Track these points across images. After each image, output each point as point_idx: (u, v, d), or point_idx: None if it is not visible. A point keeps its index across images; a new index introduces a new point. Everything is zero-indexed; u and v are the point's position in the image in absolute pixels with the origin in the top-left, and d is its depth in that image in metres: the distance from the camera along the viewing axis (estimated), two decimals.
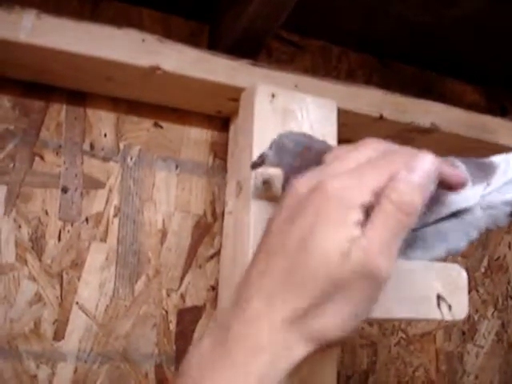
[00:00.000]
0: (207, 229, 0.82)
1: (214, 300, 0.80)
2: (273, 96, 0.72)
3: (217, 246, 0.82)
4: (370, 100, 0.83)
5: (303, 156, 0.59)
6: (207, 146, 0.85)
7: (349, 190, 0.37)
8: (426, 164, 0.39)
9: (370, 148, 0.41)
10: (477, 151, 0.96)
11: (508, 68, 1.04)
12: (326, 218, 0.36)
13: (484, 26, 0.92)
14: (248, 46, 0.79)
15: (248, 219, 0.69)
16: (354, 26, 0.93)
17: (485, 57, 1.03)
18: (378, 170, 0.38)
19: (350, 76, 0.97)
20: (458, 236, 0.54)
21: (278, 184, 0.67)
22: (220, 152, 0.85)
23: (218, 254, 0.82)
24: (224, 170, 0.84)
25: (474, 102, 1.08)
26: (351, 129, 0.83)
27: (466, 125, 0.91)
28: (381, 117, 0.84)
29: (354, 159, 0.40)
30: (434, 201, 0.45)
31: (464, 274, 0.60)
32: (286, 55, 0.93)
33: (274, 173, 0.65)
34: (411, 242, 0.54)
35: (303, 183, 0.40)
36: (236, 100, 0.78)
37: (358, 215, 0.37)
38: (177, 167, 0.82)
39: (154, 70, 0.70)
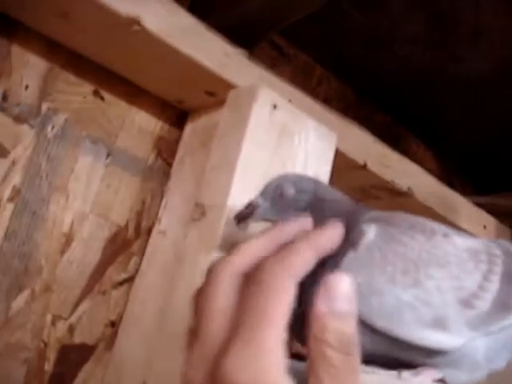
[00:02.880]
0: (125, 246, 0.62)
1: (111, 340, 0.60)
2: (274, 107, 0.54)
3: (131, 270, 0.62)
4: (358, 143, 0.69)
5: (313, 210, 0.44)
6: (152, 138, 0.65)
7: None
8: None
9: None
10: None
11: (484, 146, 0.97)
12: None
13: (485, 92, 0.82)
14: (243, 36, 0.61)
15: (202, 257, 0.51)
16: (350, 52, 0.79)
17: (460, 127, 0.94)
18: None
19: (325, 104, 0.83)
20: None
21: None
22: (166, 151, 0.65)
23: (130, 280, 0.62)
24: (165, 175, 0.65)
25: (431, 170, 0.99)
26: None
27: (439, 199, 0.80)
28: (364, 166, 0.70)
29: None
30: None
31: None
32: (267, 59, 0.76)
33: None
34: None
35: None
36: (212, 94, 0.60)
37: None
38: (108, 156, 0.61)
39: (132, 23, 0.50)
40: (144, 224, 0.63)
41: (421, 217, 0.46)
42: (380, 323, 0.38)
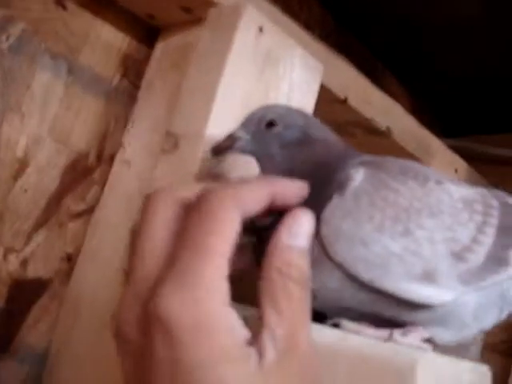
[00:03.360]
0: (85, 174, 0.57)
1: (67, 275, 0.56)
2: (260, 30, 0.49)
3: (91, 200, 0.57)
4: (340, 75, 0.64)
5: (301, 149, 0.40)
6: (118, 56, 0.58)
7: None
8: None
9: None
10: None
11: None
12: None
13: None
14: None
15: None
16: None
17: (436, 66, 0.90)
18: None
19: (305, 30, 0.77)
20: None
21: (233, 168, 0.46)
22: (133, 71, 0.59)
23: (89, 212, 0.57)
24: (131, 97, 0.59)
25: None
26: None
27: (415, 140, 0.77)
28: (345, 100, 0.65)
29: None
30: None
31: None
32: None
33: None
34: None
35: None
36: (188, 10, 0.54)
37: None
38: (69, 73, 0.54)
39: None
40: (106, 151, 0.58)
41: (412, 161, 0.43)
42: (365, 274, 0.35)
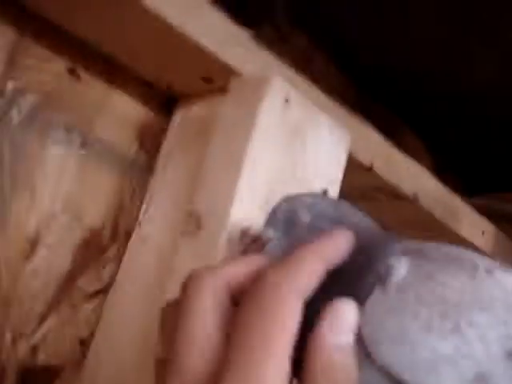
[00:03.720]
0: (99, 252, 0.53)
1: (80, 361, 0.52)
2: (286, 101, 0.46)
3: (105, 280, 0.54)
4: (365, 142, 0.62)
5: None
6: (134, 127, 0.56)
7: None
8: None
9: None
10: (438, 239, 0.80)
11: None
12: None
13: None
14: (250, 11, 0.53)
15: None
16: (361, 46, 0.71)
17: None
18: None
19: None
20: None
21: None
22: (149, 141, 0.57)
23: (103, 292, 0.54)
24: (147, 168, 0.56)
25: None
26: None
27: (442, 204, 0.74)
28: (371, 167, 0.63)
29: None
30: None
31: None
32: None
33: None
34: None
35: None
36: (209, 81, 0.51)
37: None
38: (82, 146, 0.52)
39: None
40: (122, 227, 0.55)
41: (454, 245, 0.39)
42: (411, 379, 0.31)
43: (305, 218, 0.36)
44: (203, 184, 0.46)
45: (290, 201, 0.37)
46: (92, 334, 0.52)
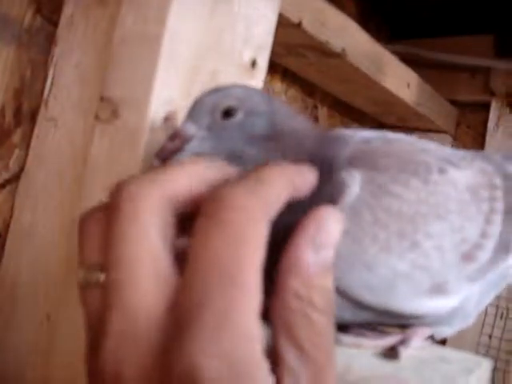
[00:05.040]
0: (3, 137, 0.47)
1: None
2: None
3: (14, 167, 0.48)
4: None
5: (271, 145, 0.33)
6: None
7: None
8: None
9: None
10: (364, 92, 0.78)
11: None
12: None
13: None
14: None
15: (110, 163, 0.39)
16: None
17: None
18: None
19: None
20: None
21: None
22: (47, 6, 0.48)
23: (14, 181, 0.48)
24: (47, 38, 0.48)
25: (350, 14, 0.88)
26: None
27: (369, 59, 0.71)
28: (299, 24, 0.57)
29: None
30: None
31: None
32: None
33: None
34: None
35: None
36: None
37: None
38: None
39: None
40: (25, 107, 0.48)
41: (401, 141, 0.36)
42: (369, 298, 0.30)
43: (236, 112, 0.31)
44: (115, 65, 0.40)
45: (218, 92, 0.32)
46: (7, 226, 0.48)
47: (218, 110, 0.32)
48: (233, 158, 0.31)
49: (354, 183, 0.30)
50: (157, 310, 0.22)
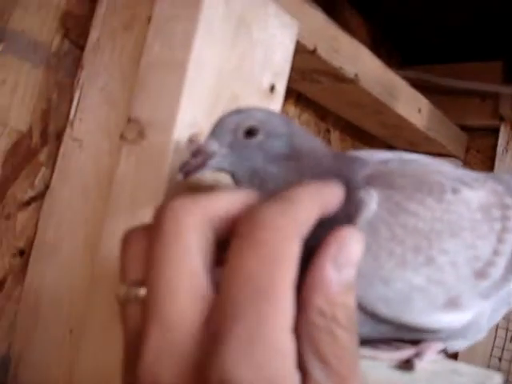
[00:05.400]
0: (29, 156, 0.49)
1: (21, 272, 0.50)
2: None
3: (40, 186, 0.50)
4: (309, 26, 0.58)
5: (289, 165, 0.34)
6: (56, 16, 0.49)
7: None
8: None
9: None
10: (376, 117, 0.80)
11: None
12: None
13: None
14: None
15: (144, 195, 0.40)
16: None
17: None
18: None
19: None
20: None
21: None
22: (75, 31, 0.51)
23: (39, 198, 0.50)
24: (74, 61, 0.51)
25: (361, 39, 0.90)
26: None
27: (381, 85, 0.72)
28: (314, 50, 0.59)
29: None
30: None
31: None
32: None
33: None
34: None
35: None
36: None
37: None
38: None
39: None
40: (52, 128, 0.50)
41: (416, 162, 0.37)
42: (385, 311, 0.31)
43: (256, 133, 0.33)
44: (142, 88, 0.41)
45: (240, 113, 0.34)
46: (31, 243, 0.50)
47: (241, 130, 0.33)
48: (254, 176, 0.33)
49: (372, 201, 0.32)
50: (193, 326, 0.23)
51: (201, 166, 0.33)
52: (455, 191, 0.33)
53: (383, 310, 0.31)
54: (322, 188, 0.27)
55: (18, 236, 0.49)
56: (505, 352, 0.93)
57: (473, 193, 0.34)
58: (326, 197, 0.27)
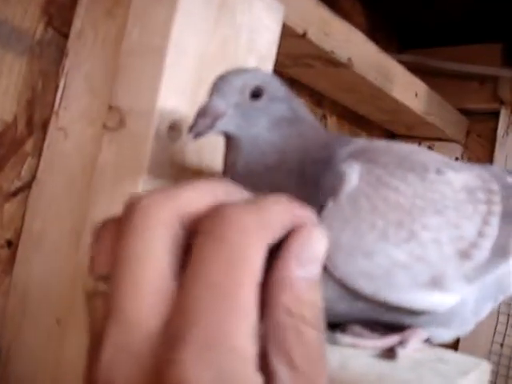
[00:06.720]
0: (16, 146, 0.49)
1: (9, 263, 0.49)
2: None
3: (26, 176, 0.50)
4: (298, 9, 0.57)
5: (292, 131, 0.34)
6: (39, 3, 0.49)
7: None
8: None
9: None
10: (372, 102, 0.79)
11: None
12: None
13: None
14: None
15: (126, 184, 0.40)
16: None
17: None
18: None
19: None
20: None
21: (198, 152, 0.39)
22: (58, 19, 0.50)
23: (26, 189, 0.50)
24: (59, 49, 0.50)
25: (358, 24, 0.88)
26: None
27: (376, 69, 0.71)
28: (304, 34, 0.58)
29: None
30: None
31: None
32: None
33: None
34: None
35: None
36: None
37: None
38: None
39: None
40: (37, 117, 0.50)
41: (402, 144, 0.37)
42: (367, 288, 0.31)
43: (262, 96, 0.33)
44: (123, 76, 0.41)
45: (245, 72, 0.33)
46: (18, 234, 0.49)
47: (247, 90, 0.33)
48: (254, 138, 0.33)
49: (354, 174, 0.31)
50: (153, 325, 0.22)
51: (210, 127, 0.32)
52: (439, 172, 0.33)
53: (363, 284, 0.30)
54: (296, 208, 0.26)
55: (6, 227, 0.49)
56: (506, 338, 0.92)
57: (457, 175, 0.33)
58: (297, 214, 0.26)
